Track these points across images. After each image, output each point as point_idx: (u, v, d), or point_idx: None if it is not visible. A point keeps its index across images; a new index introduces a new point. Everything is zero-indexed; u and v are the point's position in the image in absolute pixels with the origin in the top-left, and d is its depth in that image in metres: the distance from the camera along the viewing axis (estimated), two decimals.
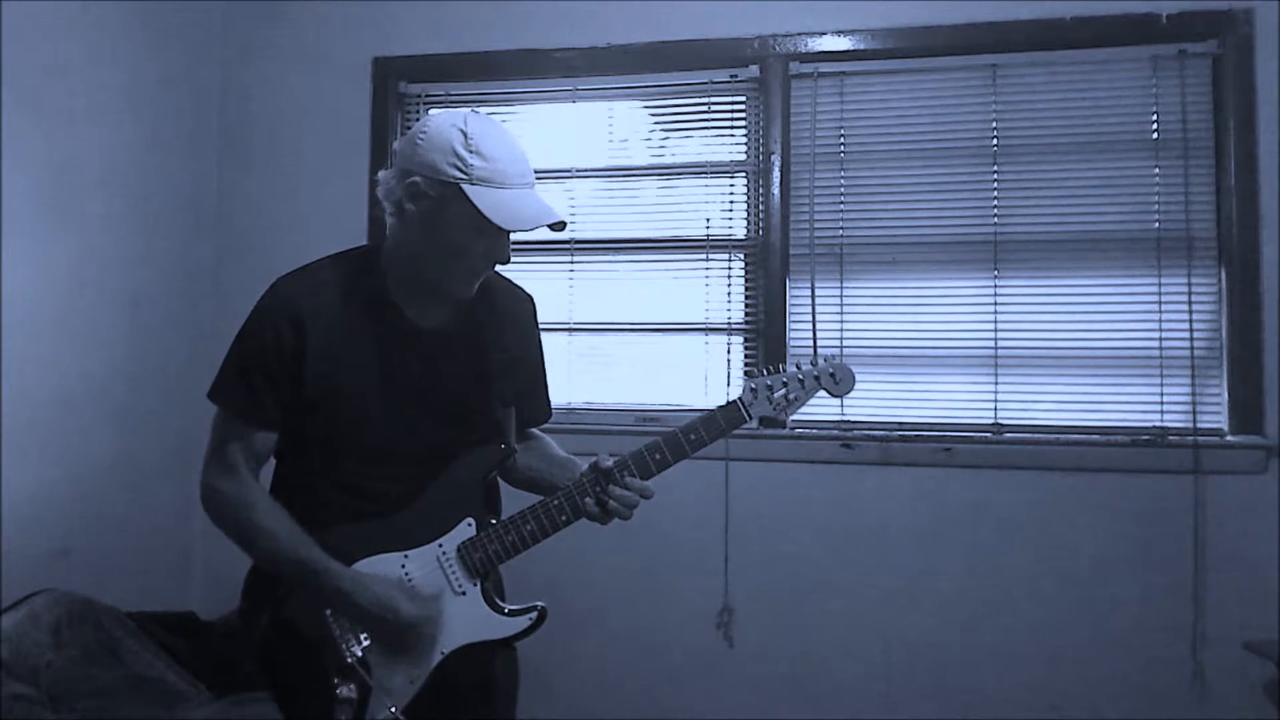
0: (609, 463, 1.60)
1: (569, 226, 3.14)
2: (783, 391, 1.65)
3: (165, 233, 3.10)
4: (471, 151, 1.50)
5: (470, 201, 1.49)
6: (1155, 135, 2.76)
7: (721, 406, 1.64)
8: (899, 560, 2.80)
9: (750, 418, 1.64)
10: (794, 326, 2.94)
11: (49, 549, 2.65)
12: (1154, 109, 2.76)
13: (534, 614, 1.63)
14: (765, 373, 1.66)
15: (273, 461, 1.68)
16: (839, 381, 1.67)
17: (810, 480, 2.86)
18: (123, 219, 2.92)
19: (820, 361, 1.67)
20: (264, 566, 1.62)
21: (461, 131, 1.51)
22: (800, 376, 1.66)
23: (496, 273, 1.70)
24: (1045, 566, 2.72)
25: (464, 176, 1.50)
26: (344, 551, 1.56)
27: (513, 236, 1.60)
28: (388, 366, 1.60)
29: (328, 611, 1.54)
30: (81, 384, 2.77)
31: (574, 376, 3.04)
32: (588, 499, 1.60)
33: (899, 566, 2.79)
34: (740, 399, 1.64)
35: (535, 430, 1.84)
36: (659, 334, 3.05)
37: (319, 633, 1.54)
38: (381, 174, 1.59)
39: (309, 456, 1.62)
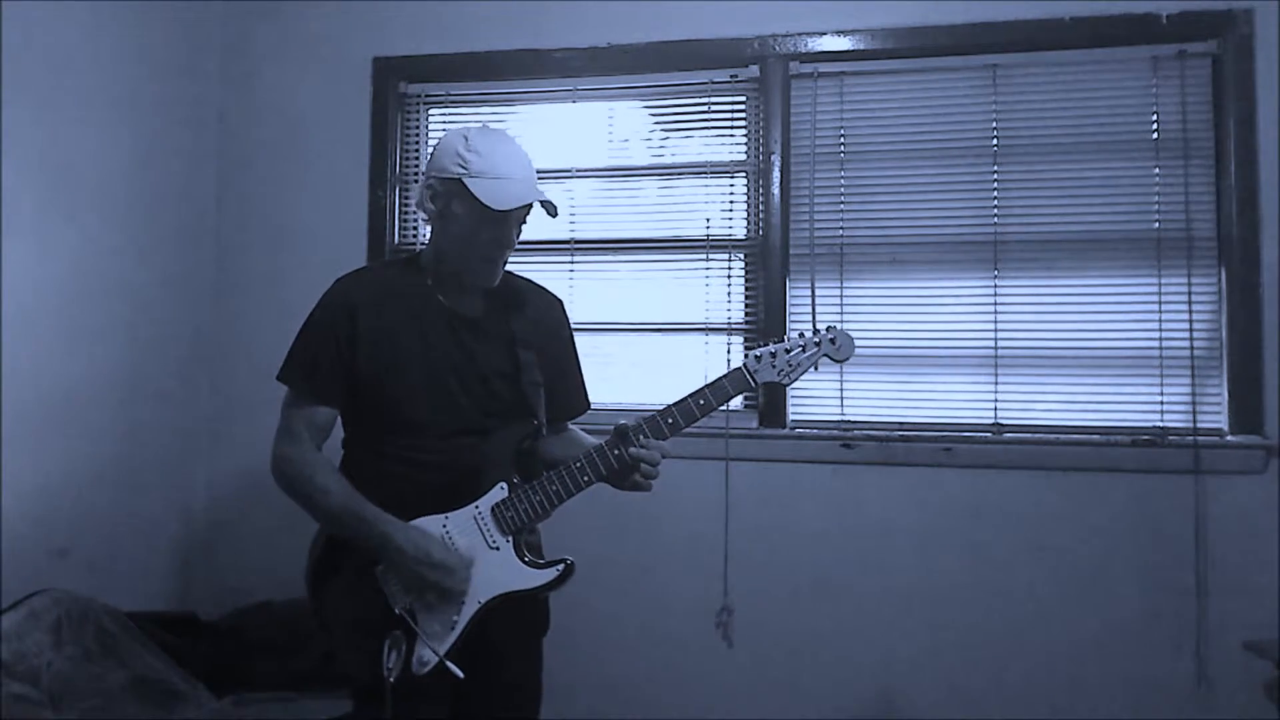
0: (626, 425, 1.77)
1: (570, 227, 3.17)
2: (785, 357, 1.77)
3: (165, 233, 3.10)
4: (470, 150, 1.77)
5: (470, 192, 1.74)
6: (1155, 135, 2.76)
7: (727, 373, 1.79)
8: (899, 560, 2.80)
9: (756, 384, 1.78)
10: (794, 326, 2.93)
11: (49, 549, 2.65)
12: (1154, 109, 2.76)
13: (561, 566, 1.79)
14: (769, 344, 1.79)
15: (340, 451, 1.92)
16: (839, 346, 1.78)
17: (810, 480, 2.86)
18: (123, 219, 2.92)
19: (820, 330, 1.79)
20: (321, 520, 1.82)
21: (464, 137, 1.80)
22: (802, 343, 1.78)
23: (527, 278, 1.99)
24: (1045, 566, 2.72)
25: (464, 171, 1.76)
26: (396, 515, 1.75)
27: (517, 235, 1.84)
28: (430, 348, 1.82)
29: (379, 568, 1.74)
30: (81, 384, 2.77)
31: None
32: (608, 458, 1.78)
33: (899, 566, 2.80)
34: (745, 365, 1.78)
35: (569, 425, 2.04)
36: (659, 334, 3.04)
37: (373, 592, 1.74)
38: (416, 186, 1.88)
39: (366, 433, 1.86)
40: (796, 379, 1.78)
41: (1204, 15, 2.72)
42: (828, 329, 1.79)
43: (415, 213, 2.25)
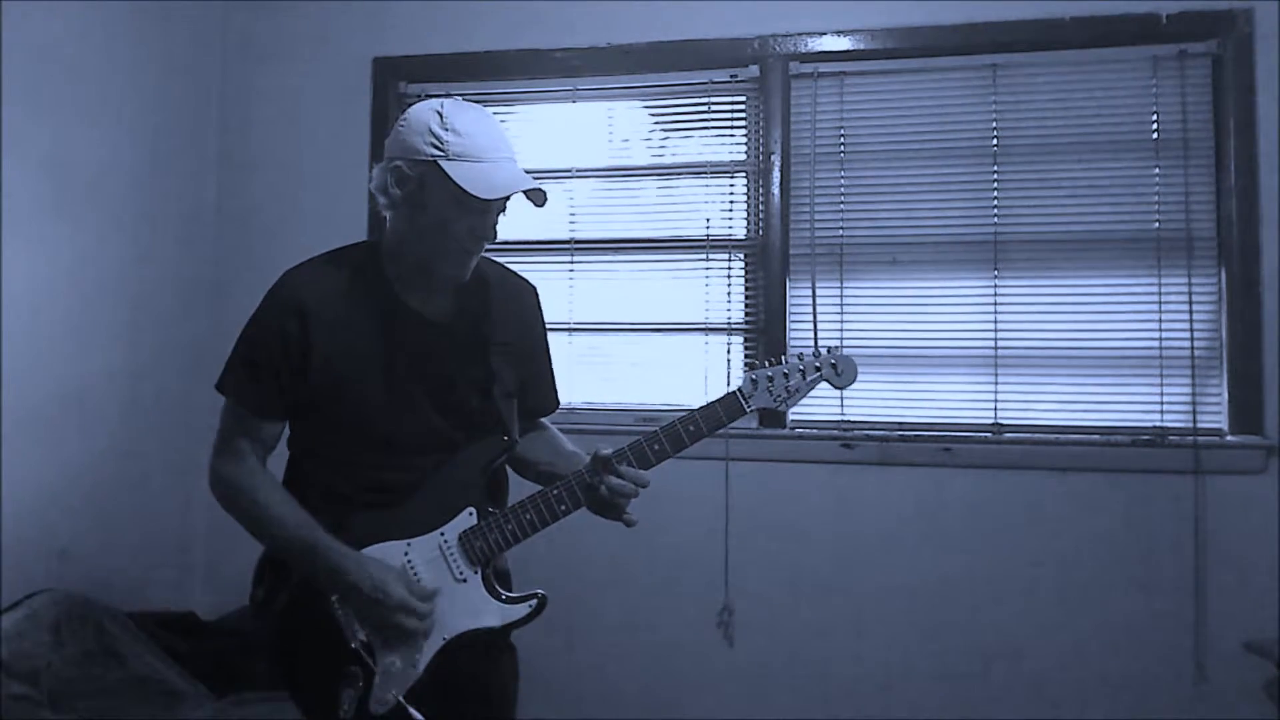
0: (607, 452, 1.59)
1: (570, 227, 3.17)
2: (783, 382, 1.63)
3: (165, 233, 3.10)
4: (447, 129, 1.54)
5: (448, 176, 1.53)
6: (1155, 135, 2.76)
7: (720, 398, 1.63)
8: (899, 560, 2.80)
9: (749, 409, 1.63)
10: (794, 326, 2.94)
11: (49, 549, 2.65)
12: (1154, 109, 2.76)
13: (534, 601, 1.64)
14: (766, 364, 1.65)
15: (287, 455, 1.72)
16: (841, 372, 1.66)
17: (810, 480, 2.86)
18: (123, 219, 2.92)
19: (822, 352, 1.66)
20: (268, 547, 1.66)
21: (437, 113, 1.57)
22: (801, 367, 1.64)
23: (498, 263, 1.78)
24: (1045, 566, 2.72)
25: (440, 153, 1.54)
26: (351, 540, 1.58)
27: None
28: (390, 356, 1.62)
29: (334, 598, 1.57)
30: (81, 384, 2.77)
31: (574, 376, 3.03)
32: (587, 487, 1.61)
33: (899, 566, 2.80)
34: (739, 390, 1.63)
35: (544, 421, 1.87)
36: (659, 334, 3.04)
37: (326, 619, 1.57)
38: (374, 168, 1.63)
39: (318, 447, 1.66)
40: (793, 405, 1.67)
41: (1204, 15, 2.72)
42: (829, 351, 1.66)
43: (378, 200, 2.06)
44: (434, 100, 1.61)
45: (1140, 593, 2.66)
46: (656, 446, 1.61)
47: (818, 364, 1.64)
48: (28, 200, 2.57)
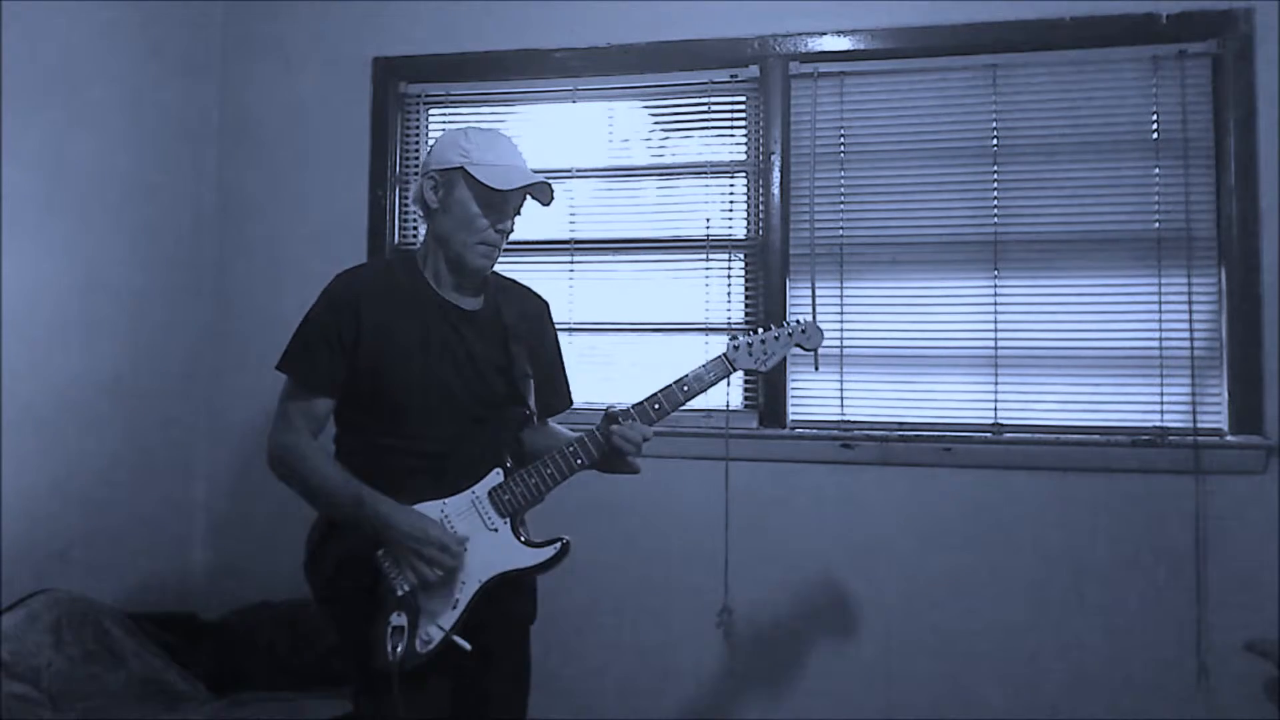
0: (616, 410, 1.85)
1: (570, 227, 3.17)
2: (761, 347, 1.91)
3: (165, 233, 3.10)
4: (470, 142, 1.89)
5: (471, 177, 1.85)
6: (1155, 135, 2.76)
7: (708, 361, 1.91)
8: (899, 560, 2.80)
9: (735, 368, 1.91)
10: None
11: (49, 549, 2.65)
12: (1154, 109, 2.76)
13: (558, 545, 1.85)
14: (746, 334, 1.92)
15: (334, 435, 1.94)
16: (809, 336, 1.94)
17: (810, 480, 2.86)
18: (122, 219, 2.93)
19: (792, 322, 1.95)
20: (318, 504, 1.87)
21: (464, 132, 1.93)
22: (775, 334, 1.93)
23: (517, 280, 2.10)
24: (1045, 566, 2.72)
25: (465, 159, 1.87)
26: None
27: (514, 235, 1.94)
28: (428, 340, 1.88)
29: (379, 551, 1.78)
30: (81, 384, 2.77)
31: (574, 376, 3.01)
32: (599, 441, 1.84)
33: (899, 566, 2.80)
34: (725, 354, 1.92)
35: (550, 420, 2.10)
36: (659, 334, 3.04)
37: (372, 572, 1.78)
38: (413, 183, 1.94)
39: (363, 423, 1.89)
40: (772, 366, 1.92)
41: (1204, 15, 2.72)
42: (798, 321, 1.95)
43: (415, 212, 2.28)
44: (463, 126, 1.96)
45: (1140, 593, 2.66)
46: (657, 405, 1.88)
47: (789, 330, 1.94)
48: (27, 200, 2.57)
